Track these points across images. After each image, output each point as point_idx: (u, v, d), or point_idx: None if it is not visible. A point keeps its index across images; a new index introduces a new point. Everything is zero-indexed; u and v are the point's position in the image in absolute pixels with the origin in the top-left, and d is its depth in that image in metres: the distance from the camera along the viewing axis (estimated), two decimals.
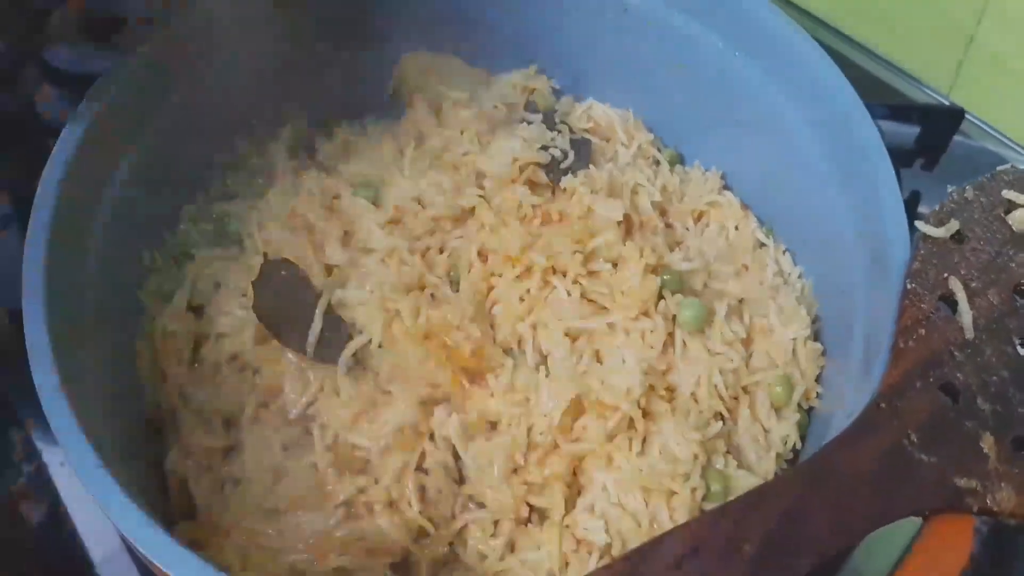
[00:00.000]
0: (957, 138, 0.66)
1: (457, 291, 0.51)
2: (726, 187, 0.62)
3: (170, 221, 0.57)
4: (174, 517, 0.48)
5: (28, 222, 0.46)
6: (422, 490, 0.46)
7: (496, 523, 0.46)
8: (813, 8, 0.84)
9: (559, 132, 0.60)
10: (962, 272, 0.45)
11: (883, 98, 0.76)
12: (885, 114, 0.64)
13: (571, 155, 0.59)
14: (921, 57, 0.80)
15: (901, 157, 0.63)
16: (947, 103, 0.78)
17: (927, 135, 0.65)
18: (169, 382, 0.51)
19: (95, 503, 0.39)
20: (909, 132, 0.65)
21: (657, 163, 0.62)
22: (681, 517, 0.46)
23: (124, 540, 0.51)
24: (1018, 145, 0.77)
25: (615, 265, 0.52)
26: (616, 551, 0.46)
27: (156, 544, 0.37)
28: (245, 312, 0.51)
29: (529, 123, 0.60)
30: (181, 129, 0.55)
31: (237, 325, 0.51)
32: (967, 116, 0.68)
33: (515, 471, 0.47)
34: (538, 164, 0.56)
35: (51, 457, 0.58)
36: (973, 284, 0.45)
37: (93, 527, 0.55)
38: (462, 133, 0.57)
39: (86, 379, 0.44)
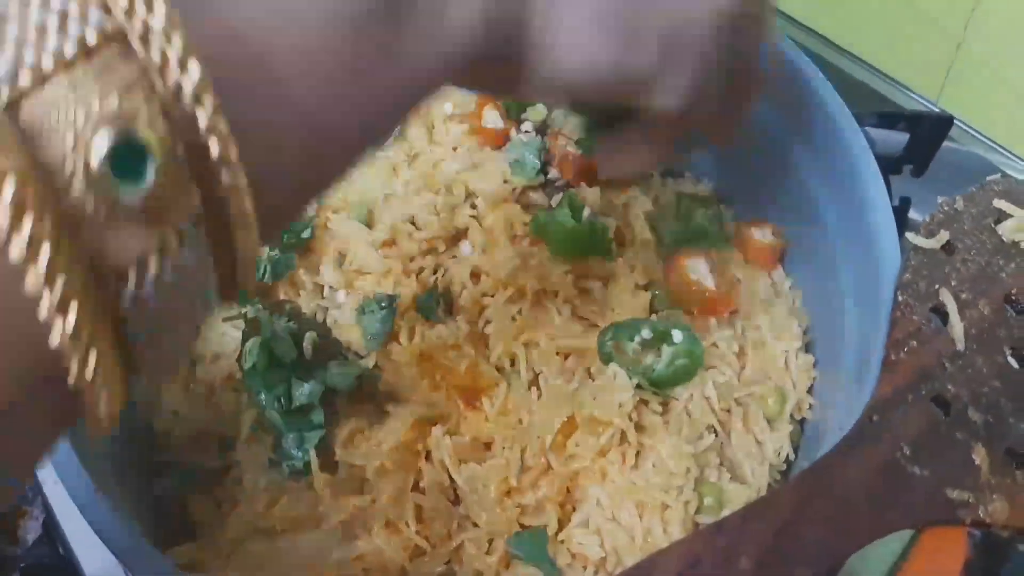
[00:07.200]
0: (946, 144, 0.66)
1: (451, 312, 0.51)
2: (719, 200, 0.62)
3: None
4: (171, 539, 0.48)
5: None
6: (418, 510, 0.46)
7: (491, 541, 0.46)
8: (800, 16, 0.84)
9: None
10: (952, 283, 0.45)
11: (871, 105, 0.76)
12: (874, 121, 0.64)
13: None
14: (909, 64, 0.80)
15: (890, 164, 0.63)
16: (936, 110, 0.79)
17: (916, 142, 0.64)
18: (164, 403, 0.51)
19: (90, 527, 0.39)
20: (898, 139, 0.66)
21: (650, 175, 0.62)
22: (675, 530, 0.46)
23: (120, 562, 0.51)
24: (1006, 150, 0.77)
25: (606, 284, 0.53)
26: (611, 566, 0.46)
27: (153, 569, 0.37)
28: (240, 332, 0.50)
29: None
30: None
31: (232, 345, 0.51)
32: (956, 122, 0.68)
33: (508, 493, 0.47)
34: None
35: (45, 475, 0.58)
36: (964, 295, 0.45)
37: (87, 545, 0.55)
38: (455, 150, 0.57)
39: None
